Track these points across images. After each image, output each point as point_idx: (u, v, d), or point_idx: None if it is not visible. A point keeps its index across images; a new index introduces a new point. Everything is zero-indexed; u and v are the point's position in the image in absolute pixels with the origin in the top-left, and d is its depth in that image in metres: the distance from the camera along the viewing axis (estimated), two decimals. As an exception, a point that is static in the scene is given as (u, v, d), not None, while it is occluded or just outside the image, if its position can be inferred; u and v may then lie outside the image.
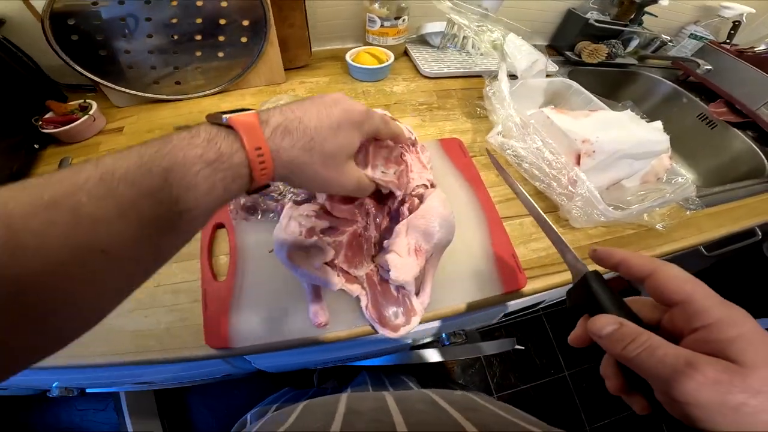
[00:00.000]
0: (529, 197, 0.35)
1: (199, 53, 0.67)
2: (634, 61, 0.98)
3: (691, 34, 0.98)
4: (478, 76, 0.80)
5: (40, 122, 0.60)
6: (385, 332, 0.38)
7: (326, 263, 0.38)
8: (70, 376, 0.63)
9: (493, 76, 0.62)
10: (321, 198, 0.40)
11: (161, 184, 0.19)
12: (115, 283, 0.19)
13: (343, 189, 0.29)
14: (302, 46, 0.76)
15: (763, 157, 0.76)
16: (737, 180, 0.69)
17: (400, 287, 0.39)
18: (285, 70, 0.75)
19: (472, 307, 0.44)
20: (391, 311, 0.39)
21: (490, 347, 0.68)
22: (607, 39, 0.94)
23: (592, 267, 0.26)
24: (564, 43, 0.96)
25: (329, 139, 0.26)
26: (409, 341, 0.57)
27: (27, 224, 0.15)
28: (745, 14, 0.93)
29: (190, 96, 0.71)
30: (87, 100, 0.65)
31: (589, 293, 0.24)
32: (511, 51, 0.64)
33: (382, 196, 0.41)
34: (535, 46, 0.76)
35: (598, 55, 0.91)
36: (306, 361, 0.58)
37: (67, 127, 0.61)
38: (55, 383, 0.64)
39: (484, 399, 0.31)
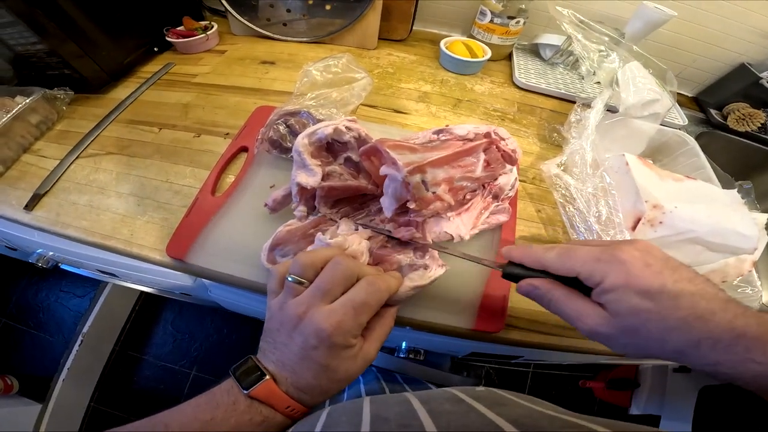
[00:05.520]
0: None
1: (310, 1, 0.72)
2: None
3: None
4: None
5: (168, 32, 0.72)
6: None
7: None
8: (52, 244, 0.62)
9: (587, 103, 0.53)
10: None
11: None
12: None
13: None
14: (404, 21, 0.75)
15: None
16: None
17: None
18: (380, 39, 0.75)
19: (433, 329, 0.39)
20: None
21: (454, 380, 0.62)
22: (776, 108, 0.73)
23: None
24: (712, 99, 0.78)
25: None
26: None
27: None
28: None
29: (288, 39, 0.76)
30: (212, 23, 0.75)
31: (515, 276, 0.31)
32: (624, 80, 0.53)
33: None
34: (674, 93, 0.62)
35: (750, 122, 0.72)
36: (260, 310, 0.58)
37: (183, 40, 0.71)
38: (39, 250, 0.66)
39: (509, 393, 0.30)
